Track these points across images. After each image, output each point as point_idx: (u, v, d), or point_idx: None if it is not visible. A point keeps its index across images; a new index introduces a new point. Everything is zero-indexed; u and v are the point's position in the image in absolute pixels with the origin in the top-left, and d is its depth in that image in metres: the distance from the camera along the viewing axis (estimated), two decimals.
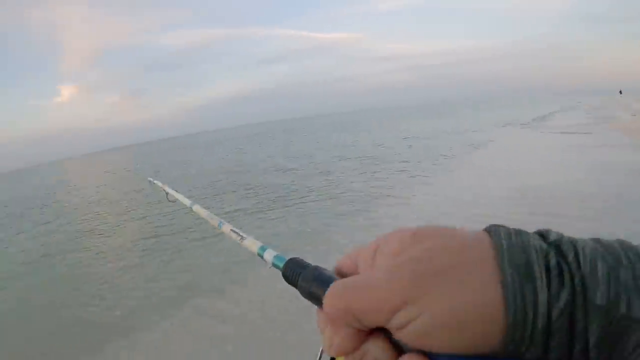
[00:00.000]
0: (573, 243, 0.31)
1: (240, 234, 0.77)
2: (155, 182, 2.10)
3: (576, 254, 0.30)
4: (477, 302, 0.29)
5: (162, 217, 11.47)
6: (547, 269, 0.29)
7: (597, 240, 0.31)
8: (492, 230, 0.33)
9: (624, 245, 0.30)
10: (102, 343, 5.08)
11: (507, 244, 0.31)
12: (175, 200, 1.59)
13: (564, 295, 0.28)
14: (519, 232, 0.32)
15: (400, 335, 0.31)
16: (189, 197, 1.35)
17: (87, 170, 50.50)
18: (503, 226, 0.33)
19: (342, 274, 0.40)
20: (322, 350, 0.39)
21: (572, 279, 0.29)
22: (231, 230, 0.81)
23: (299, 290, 0.47)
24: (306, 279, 0.45)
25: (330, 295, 0.35)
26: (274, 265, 0.58)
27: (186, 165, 27.08)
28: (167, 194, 1.74)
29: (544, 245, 0.31)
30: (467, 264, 0.31)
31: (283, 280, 0.51)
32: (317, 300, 0.40)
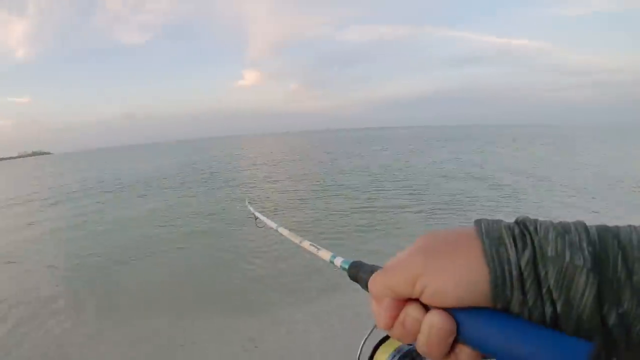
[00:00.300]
0: (534, 220, 0.45)
1: (317, 246, 0.93)
2: (249, 207, 2.28)
3: (535, 226, 0.44)
4: (467, 266, 0.43)
5: (322, 201, 12.00)
6: (514, 237, 0.43)
7: (558, 222, 0.45)
8: (476, 222, 0.47)
9: (577, 223, 0.44)
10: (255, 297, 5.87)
11: (485, 227, 0.45)
12: (263, 226, 1.77)
13: (527, 252, 0.41)
14: (495, 220, 0.47)
15: (423, 299, 0.45)
16: (275, 222, 1.51)
17: (261, 149, 55.31)
18: (485, 219, 0.48)
19: None
20: (374, 326, 0.53)
21: (532, 241, 0.42)
22: (310, 244, 0.99)
23: (359, 284, 0.62)
24: (364, 274, 0.60)
25: (372, 279, 0.51)
26: (342, 268, 0.72)
27: (359, 158, 27.78)
28: (256, 219, 1.94)
29: (512, 223, 0.46)
30: (459, 244, 0.45)
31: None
32: None
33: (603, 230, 0.43)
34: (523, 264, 0.41)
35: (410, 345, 0.66)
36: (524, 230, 0.44)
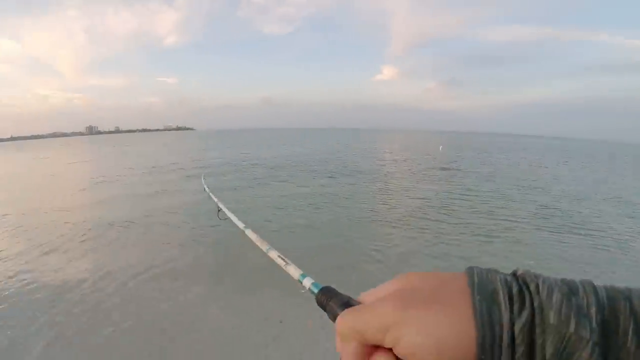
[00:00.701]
0: (537, 275, 0.41)
1: (285, 260, 0.88)
2: (209, 192, 2.07)
3: (537, 284, 0.39)
4: (451, 323, 0.38)
5: (445, 202, 12.49)
6: (511, 296, 0.38)
7: (562, 279, 0.41)
8: (468, 270, 0.43)
9: (585, 282, 0.40)
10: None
11: (478, 279, 0.41)
12: (226, 218, 1.65)
13: (525, 315, 0.36)
14: (490, 270, 0.43)
15: (397, 351, 0.40)
16: (243, 221, 1.42)
17: (392, 144, 55.54)
18: (478, 267, 0.44)
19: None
20: None
21: (532, 302, 0.37)
22: (278, 256, 0.93)
23: (327, 314, 0.56)
24: (334, 305, 0.55)
25: (340, 317, 0.47)
26: (310, 290, 0.68)
27: (488, 165, 26.89)
28: (219, 210, 1.79)
29: (510, 278, 0.41)
30: (445, 295, 0.41)
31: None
32: None
33: (613, 292, 0.39)
34: (517, 328, 0.36)
35: None
36: (523, 288, 0.39)
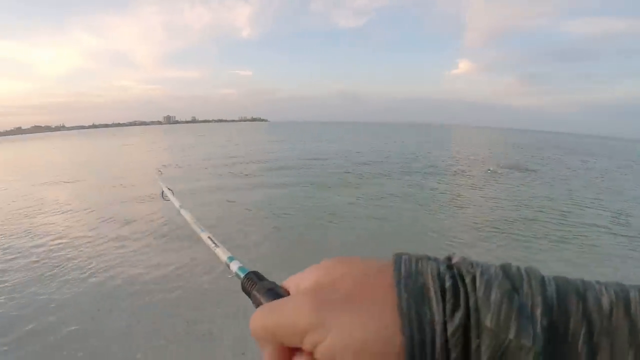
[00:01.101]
0: (474, 267, 0.35)
1: (215, 242, 0.85)
2: (159, 180, 2.14)
3: (473, 278, 0.33)
4: (375, 326, 0.32)
5: (514, 203, 12.38)
6: (443, 292, 0.33)
7: (503, 267, 0.35)
8: (395, 260, 0.37)
9: (532, 274, 0.34)
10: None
11: (406, 272, 0.35)
12: (168, 200, 1.65)
13: (459, 315, 0.31)
14: (420, 259, 0.37)
15: (316, 357, 0.35)
16: (179, 200, 1.42)
17: (466, 142, 53.91)
18: (407, 254, 0.38)
19: (287, 292, 0.46)
20: None
21: (467, 301, 0.32)
22: (208, 237, 0.90)
23: (251, 300, 0.53)
24: (258, 291, 0.51)
25: (253, 316, 0.40)
26: (236, 274, 0.64)
27: (567, 168, 25.68)
28: (162, 192, 1.78)
29: (443, 269, 0.35)
30: (367, 291, 0.35)
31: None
32: None
33: (564, 287, 0.33)
34: (451, 330, 0.31)
35: None
36: (457, 282, 0.33)
